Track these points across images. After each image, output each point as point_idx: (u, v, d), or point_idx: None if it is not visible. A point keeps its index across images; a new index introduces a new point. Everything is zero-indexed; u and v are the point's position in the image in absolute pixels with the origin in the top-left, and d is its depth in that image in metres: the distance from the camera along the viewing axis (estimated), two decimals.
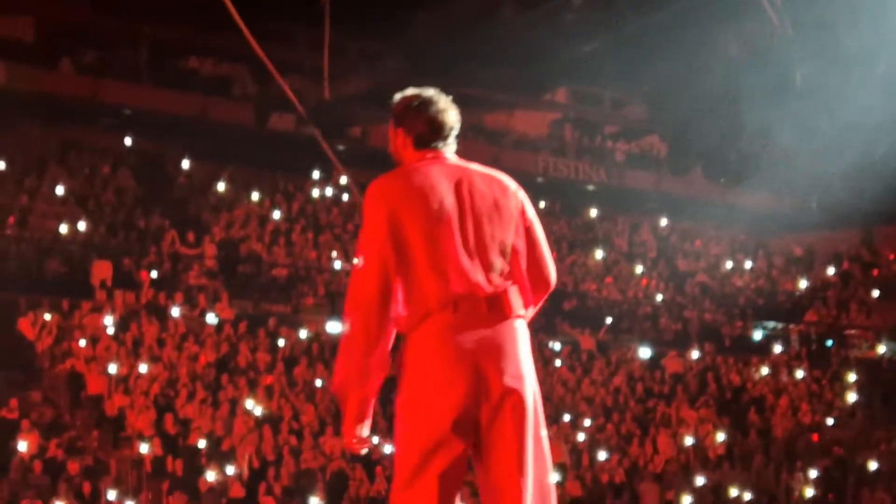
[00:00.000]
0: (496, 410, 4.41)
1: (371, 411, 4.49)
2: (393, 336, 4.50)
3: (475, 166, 4.68)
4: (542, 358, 24.64)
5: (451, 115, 4.71)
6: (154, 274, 24.55)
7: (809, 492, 23.23)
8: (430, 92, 4.74)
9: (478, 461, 4.49)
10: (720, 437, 24.46)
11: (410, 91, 4.75)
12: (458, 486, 4.48)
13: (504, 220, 4.56)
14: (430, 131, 4.67)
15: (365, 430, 4.52)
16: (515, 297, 4.51)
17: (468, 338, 4.40)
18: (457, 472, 4.44)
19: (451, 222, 4.45)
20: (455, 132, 4.72)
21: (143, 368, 21.45)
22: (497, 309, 4.46)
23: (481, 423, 4.43)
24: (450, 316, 4.40)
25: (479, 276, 4.44)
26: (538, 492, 4.47)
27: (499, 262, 4.50)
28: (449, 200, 4.48)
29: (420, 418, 4.40)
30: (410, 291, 4.44)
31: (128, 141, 28.33)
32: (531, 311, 4.66)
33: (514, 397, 4.42)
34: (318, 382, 22.75)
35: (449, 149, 4.70)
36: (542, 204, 30.11)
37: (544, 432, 4.55)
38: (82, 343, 21.95)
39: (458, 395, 4.36)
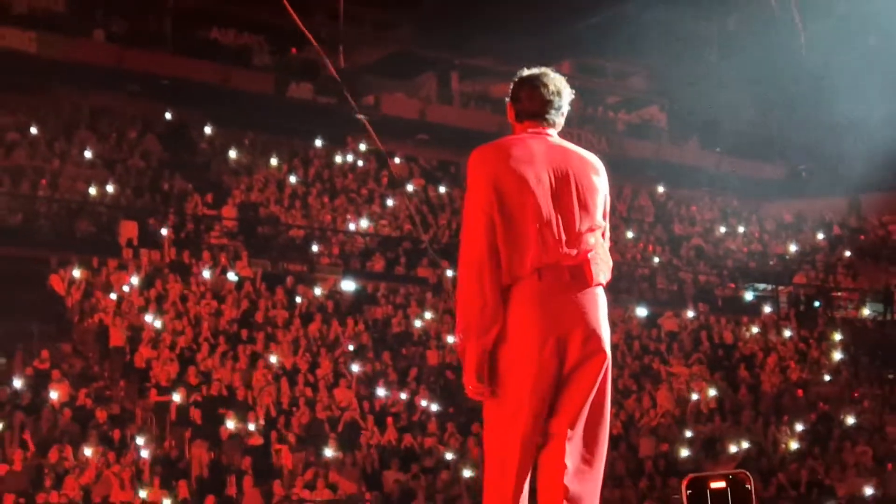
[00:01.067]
0: (573, 372, 4.54)
1: (488, 361, 4.53)
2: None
3: (571, 145, 4.77)
4: None
5: (552, 90, 4.75)
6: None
7: (795, 445, 23.36)
8: (541, 70, 4.82)
9: (548, 415, 4.59)
10: (712, 392, 24.61)
11: (527, 70, 4.82)
12: (536, 446, 4.58)
13: (596, 198, 4.67)
14: (529, 105, 4.75)
15: (482, 380, 4.52)
16: (597, 268, 4.60)
17: (552, 304, 4.49)
18: (536, 432, 4.56)
19: (546, 195, 4.54)
20: (557, 108, 4.77)
21: (167, 323, 21.65)
22: (579, 278, 4.55)
23: (559, 384, 4.54)
24: (536, 282, 4.49)
25: (565, 247, 4.53)
26: (588, 445, 4.61)
27: (587, 236, 4.60)
28: (546, 174, 4.57)
29: (505, 377, 4.51)
30: (504, 255, 4.51)
31: (155, 108, 28.37)
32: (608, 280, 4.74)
33: (592, 361, 4.55)
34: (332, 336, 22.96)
35: (551, 124, 4.78)
36: None
37: (609, 388, 4.66)
38: (111, 297, 22.12)
39: (543, 358, 4.47)
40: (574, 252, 4.54)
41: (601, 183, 4.71)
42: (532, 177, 4.54)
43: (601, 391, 4.60)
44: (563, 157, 4.67)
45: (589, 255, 4.58)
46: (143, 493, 18.08)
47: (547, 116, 4.75)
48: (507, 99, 4.84)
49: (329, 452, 19.87)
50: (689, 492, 2.18)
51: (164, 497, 18.20)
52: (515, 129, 4.80)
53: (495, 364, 4.52)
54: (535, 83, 4.74)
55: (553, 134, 4.77)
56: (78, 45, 27.09)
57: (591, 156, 4.77)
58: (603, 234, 4.71)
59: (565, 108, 4.81)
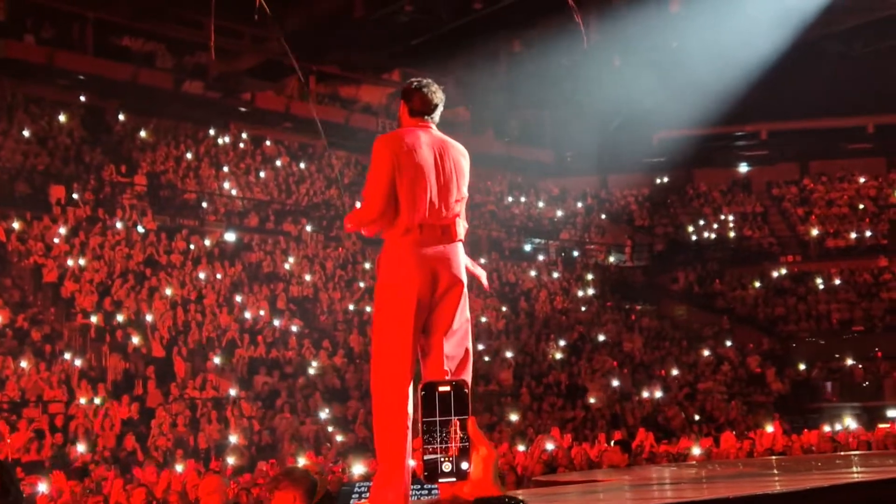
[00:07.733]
0: (441, 298, 4.63)
1: None
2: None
3: (447, 137, 4.82)
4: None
5: (438, 97, 4.81)
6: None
7: (559, 355, 24.00)
8: (427, 80, 4.86)
9: (423, 332, 4.64)
10: (500, 317, 25.01)
11: (416, 78, 4.88)
12: (416, 356, 4.63)
13: (461, 176, 4.75)
14: (421, 105, 4.78)
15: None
16: (460, 227, 4.73)
17: (429, 250, 4.60)
18: (417, 343, 4.61)
19: (428, 172, 4.61)
20: (439, 110, 4.83)
21: (87, 264, 21.01)
22: (448, 233, 4.67)
23: (431, 306, 4.62)
24: (417, 235, 4.59)
25: (440, 211, 4.64)
26: (462, 352, 4.69)
27: (454, 205, 4.69)
28: (429, 157, 4.64)
29: (394, 301, 4.56)
30: (396, 214, 4.59)
31: (78, 98, 27.37)
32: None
33: (454, 290, 4.65)
34: (218, 276, 22.60)
35: (434, 120, 4.81)
36: None
37: (467, 309, 4.75)
38: (42, 245, 21.34)
39: (420, 287, 4.56)
40: (446, 215, 4.65)
41: (466, 165, 4.80)
42: (419, 160, 4.60)
43: (462, 312, 4.70)
44: (443, 144, 4.73)
45: (456, 218, 4.70)
46: (81, 398, 17.59)
47: (433, 115, 4.80)
48: (401, 99, 4.87)
49: (213, 362, 19.62)
50: (422, 393, 2.23)
51: (88, 397, 17.77)
52: (405, 121, 4.82)
53: (387, 290, 4.59)
54: (429, 90, 4.80)
55: (434, 127, 4.81)
56: (15, 45, 25.86)
57: (460, 145, 4.85)
58: (466, 203, 4.85)
59: (441, 109, 4.85)
